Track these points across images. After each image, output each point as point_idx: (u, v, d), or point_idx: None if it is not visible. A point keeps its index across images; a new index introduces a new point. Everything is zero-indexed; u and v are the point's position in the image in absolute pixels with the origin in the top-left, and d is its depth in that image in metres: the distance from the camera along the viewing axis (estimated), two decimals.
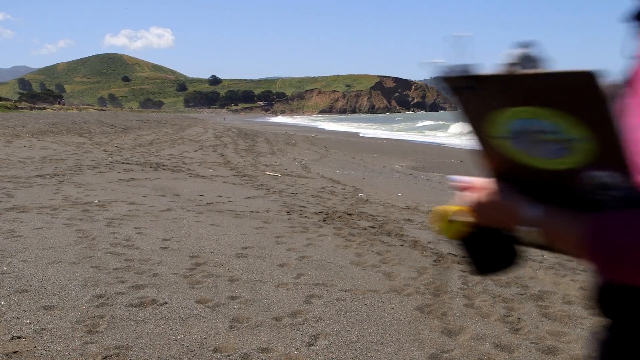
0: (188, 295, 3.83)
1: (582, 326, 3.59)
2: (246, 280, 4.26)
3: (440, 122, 57.32)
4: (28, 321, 3.25)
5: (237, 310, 3.61)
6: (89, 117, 38.36)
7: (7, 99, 63.82)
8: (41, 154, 13.18)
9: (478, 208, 0.83)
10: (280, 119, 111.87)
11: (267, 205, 7.75)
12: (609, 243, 0.67)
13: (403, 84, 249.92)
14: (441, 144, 29.11)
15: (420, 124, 61.34)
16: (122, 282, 4.05)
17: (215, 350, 3.00)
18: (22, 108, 49.19)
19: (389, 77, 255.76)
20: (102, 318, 3.34)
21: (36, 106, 56.31)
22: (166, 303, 3.65)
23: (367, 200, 8.87)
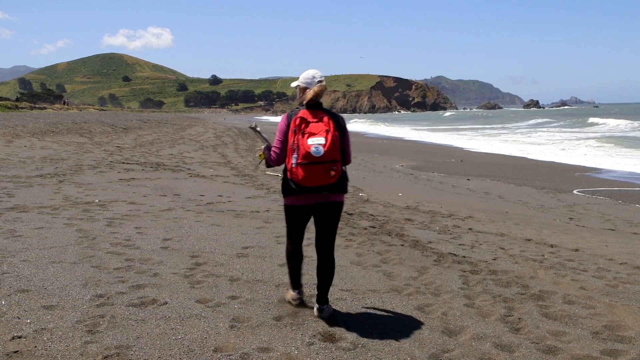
0: (188, 295, 3.83)
1: (583, 326, 3.59)
2: (246, 280, 4.26)
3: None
4: (29, 321, 3.26)
5: (238, 310, 3.61)
6: (89, 117, 38.38)
7: (7, 99, 63.76)
8: (42, 154, 13.19)
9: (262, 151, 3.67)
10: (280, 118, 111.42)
11: (267, 205, 7.75)
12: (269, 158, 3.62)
13: (403, 84, 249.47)
14: (440, 144, 29.09)
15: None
16: (123, 281, 4.05)
17: (215, 350, 3.00)
18: (22, 108, 49.12)
19: (389, 76, 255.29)
20: (103, 318, 3.35)
21: (37, 106, 56.25)
22: (167, 303, 3.66)
23: (367, 200, 8.87)
